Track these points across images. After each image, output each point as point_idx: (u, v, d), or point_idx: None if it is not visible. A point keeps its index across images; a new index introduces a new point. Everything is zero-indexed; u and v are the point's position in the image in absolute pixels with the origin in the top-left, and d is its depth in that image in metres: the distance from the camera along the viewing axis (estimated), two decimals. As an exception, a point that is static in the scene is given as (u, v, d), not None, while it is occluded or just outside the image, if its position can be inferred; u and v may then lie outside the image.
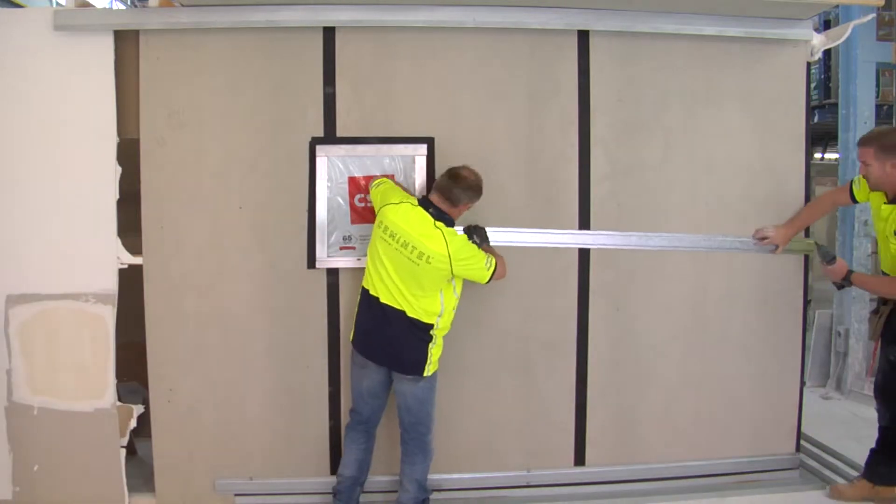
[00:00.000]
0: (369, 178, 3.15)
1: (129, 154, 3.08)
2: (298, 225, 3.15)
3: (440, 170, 3.02)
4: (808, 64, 3.40)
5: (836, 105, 5.98)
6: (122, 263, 3.08)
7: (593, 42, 3.22)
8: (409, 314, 2.82)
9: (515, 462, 3.34)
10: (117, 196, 3.06)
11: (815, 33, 3.35)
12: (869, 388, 4.60)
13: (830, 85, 7.85)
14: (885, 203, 3.05)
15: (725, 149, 3.35)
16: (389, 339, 2.87)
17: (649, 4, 3.17)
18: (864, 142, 3.03)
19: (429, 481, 3.07)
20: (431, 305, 2.84)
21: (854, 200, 3.26)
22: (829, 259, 3.22)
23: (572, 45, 3.22)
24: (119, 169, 3.06)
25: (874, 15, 4.29)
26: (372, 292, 2.89)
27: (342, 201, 3.16)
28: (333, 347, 3.20)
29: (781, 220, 3.36)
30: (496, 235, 3.13)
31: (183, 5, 3.01)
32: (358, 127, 3.15)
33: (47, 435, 3.10)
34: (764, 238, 3.31)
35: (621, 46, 3.24)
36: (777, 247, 3.31)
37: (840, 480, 3.43)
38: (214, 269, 3.13)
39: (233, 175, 3.12)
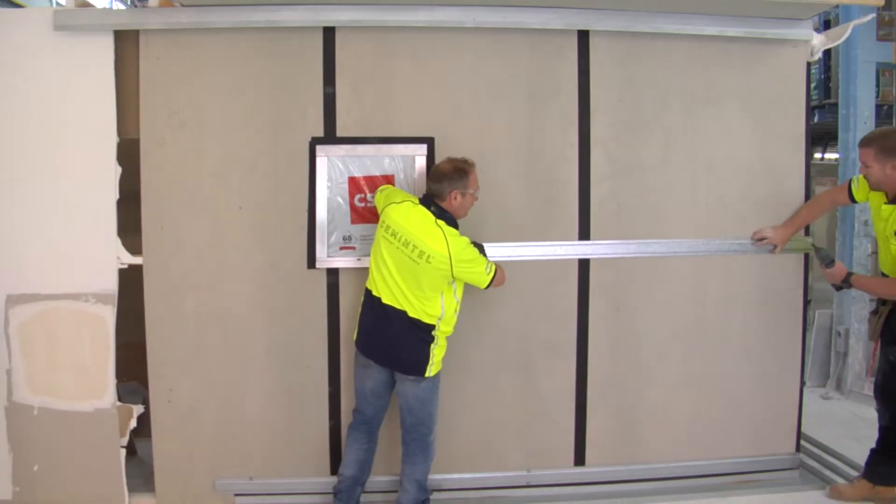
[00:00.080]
0: (369, 179, 3.15)
1: (129, 154, 3.08)
2: (298, 225, 3.15)
3: (440, 170, 3.02)
4: (808, 64, 3.40)
5: (836, 105, 5.98)
6: (122, 263, 3.08)
7: (593, 42, 3.22)
8: (411, 314, 2.82)
9: (515, 462, 3.34)
10: (117, 196, 3.06)
11: (815, 33, 3.35)
12: (869, 388, 4.61)
13: (830, 85, 7.86)
14: (885, 203, 3.06)
15: (725, 149, 3.35)
16: (390, 340, 2.87)
17: (649, 4, 3.17)
18: (864, 143, 3.03)
19: (429, 481, 3.07)
20: (432, 308, 2.83)
21: (853, 200, 3.26)
22: (828, 262, 3.22)
23: (572, 45, 3.22)
24: (119, 169, 3.06)
25: (874, 15, 4.29)
26: (374, 293, 2.89)
27: (342, 201, 3.16)
28: (333, 347, 3.20)
29: (781, 220, 3.36)
30: (496, 250, 3.13)
31: (183, 5, 3.01)
32: (358, 127, 3.15)
33: (47, 435, 3.10)
34: (762, 239, 3.31)
35: (621, 46, 3.24)
36: (775, 247, 3.32)
37: (840, 480, 3.43)
38: (214, 269, 3.13)
39: (233, 175, 3.12)
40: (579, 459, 3.37)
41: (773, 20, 3.25)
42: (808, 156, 3.44)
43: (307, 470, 3.25)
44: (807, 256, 3.45)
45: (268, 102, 3.12)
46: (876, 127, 5.08)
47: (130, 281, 3.10)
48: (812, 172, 3.69)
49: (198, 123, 3.09)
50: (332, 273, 3.18)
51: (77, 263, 3.06)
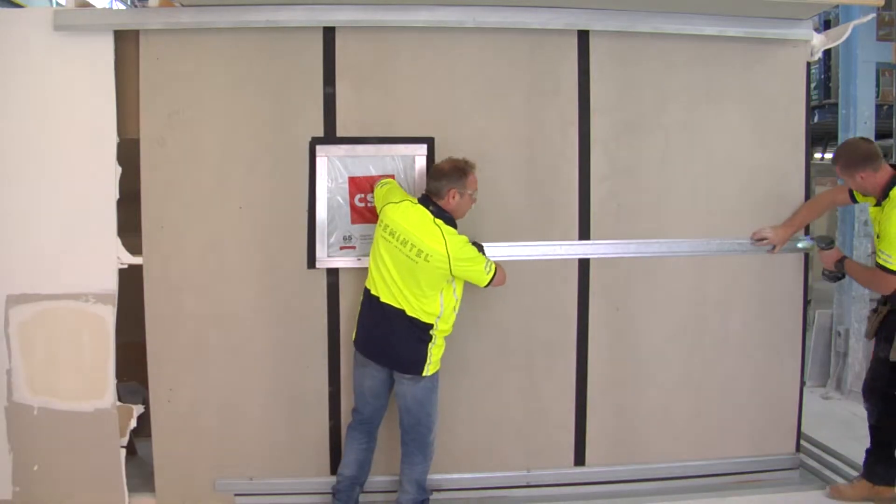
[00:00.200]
0: (369, 178, 3.15)
1: (129, 154, 3.08)
2: (298, 225, 3.15)
3: (440, 170, 3.02)
4: (808, 64, 3.40)
5: (836, 105, 5.99)
6: (122, 263, 3.08)
7: (593, 42, 3.22)
8: (409, 313, 2.82)
9: (515, 462, 3.34)
10: (117, 196, 3.06)
11: (815, 33, 3.35)
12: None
13: (830, 85, 7.86)
14: (873, 206, 3.15)
15: (725, 149, 3.35)
16: (388, 338, 2.87)
17: (649, 4, 3.17)
18: (833, 161, 3.21)
19: (429, 481, 3.07)
20: (431, 306, 2.83)
21: (853, 200, 3.28)
22: (827, 244, 3.27)
23: (572, 45, 3.22)
24: (119, 169, 3.06)
25: (874, 15, 4.29)
26: (373, 292, 2.89)
27: (342, 201, 3.16)
28: (333, 347, 3.20)
29: (781, 220, 3.36)
30: (496, 250, 3.12)
31: (183, 5, 3.01)
32: (358, 127, 3.15)
33: (47, 435, 3.10)
34: (762, 239, 3.32)
35: (621, 46, 3.24)
36: (774, 247, 3.32)
37: (840, 480, 3.43)
38: (214, 269, 3.13)
39: (233, 175, 3.12)
40: (579, 459, 3.36)
41: (773, 20, 3.25)
42: (808, 156, 3.44)
43: (307, 470, 3.25)
44: (807, 256, 3.45)
45: (268, 102, 3.12)
46: (876, 127, 5.09)
47: (130, 281, 3.10)
48: (812, 172, 3.69)
49: (198, 123, 3.09)
50: (332, 273, 3.18)
51: (77, 263, 3.06)
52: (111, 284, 3.07)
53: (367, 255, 3.03)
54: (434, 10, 3.06)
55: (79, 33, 3.00)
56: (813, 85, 6.61)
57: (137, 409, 3.15)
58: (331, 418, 3.24)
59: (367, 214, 3.15)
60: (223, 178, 3.12)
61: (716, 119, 3.34)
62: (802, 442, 3.66)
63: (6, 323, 3.06)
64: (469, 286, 2.94)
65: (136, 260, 3.09)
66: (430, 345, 2.86)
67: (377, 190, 3.03)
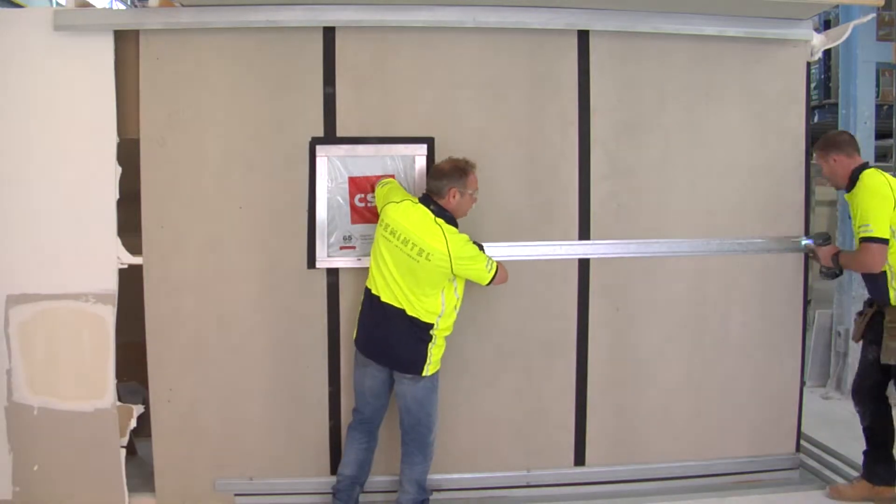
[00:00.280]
0: (369, 178, 3.15)
1: (129, 154, 3.08)
2: (298, 225, 3.15)
3: (440, 170, 3.01)
4: (808, 64, 3.41)
5: (836, 105, 5.98)
6: (122, 263, 3.08)
7: (593, 42, 3.22)
8: (409, 313, 2.82)
9: (515, 462, 3.34)
10: (117, 196, 3.06)
11: (815, 33, 3.35)
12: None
13: (830, 85, 7.85)
14: (846, 195, 3.24)
15: (725, 148, 3.35)
16: (389, 338, 2.87)
17: (649, 4, 3.17)
18: (814, 148, 3.32)
19: (429, 481, 3.07)
20: (432, 305, 2.84)
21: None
22: (824, 240, 3.31)
23: (572, 45, 3.22)
24: (119, 169, 3.06)
25: (874, 15, 4.29)
26: (374, 291, 2.89)
27: (342, 201, 3.16)
28: (333, 347, 3.20)
29: (781, 220, 3.38)
30: (496, 249, 3.12)
31: (183, 5, 3.01)
32: (358, 127, 3.15)
33: (47, 435, 3.10)
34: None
35: (621, 46, 3.24)
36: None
37: (840, 480, 3.43)
38: (214, 269, 3.13)
39: (233, 175, 3.12)
40: (579, 459, 3.36)
41: (773, 20, 3.25)
42: (808, 156, 3.44)
43: (307, 470, 3.25)
44: (807, 257, 3.45)
45: (268, 102, 3.12)
46: (876, 127, 5.09)
47: (130, 281, 3.10)
48: (812, 172, 3.69)
49: (198, 123, 3.09)
50: (332, 273, 3.18)
51: (77, 263, 3.06)
52: (111, 284, 3.07)
53: (368, 255, 3.03)
54: (434, 10, 3.06)
55: (79, 33, 3.00)
56: (813, 85, 6.60)
57: (137, 409, 3.15)
58: (331, 418, 3.23)
59: (367, 214, 3.15)
60: (223, 178, 3.12)
61: (716, 119, 3.34)
62: (802, 442, 3.66)
63: (6, 323, 3.06)
64: (469, 285, 2.94)
65: (136, 260, 3.09)
66: (430, 345, 2.86)
67: (378, 190, 3.03)
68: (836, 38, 3.49)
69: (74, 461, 3.12)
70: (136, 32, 3.04)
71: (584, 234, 3.28)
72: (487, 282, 2.87)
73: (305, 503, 3.24)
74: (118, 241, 3.07)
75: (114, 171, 3.05)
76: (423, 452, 2.98)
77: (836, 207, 5.15)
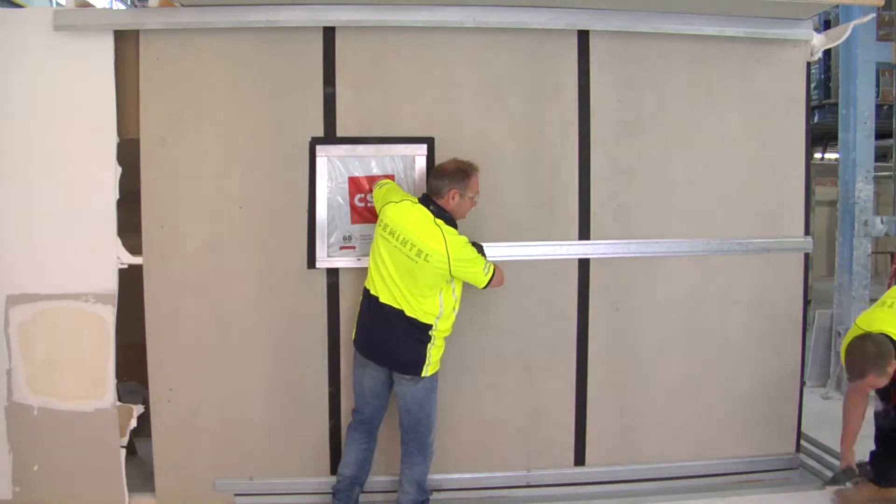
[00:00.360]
0: (369, 179, 3.15)
1: (129, 154, 3.08)
2: (298, 225, 3.15)
3: (440, 170, 3.01)
4: (809, 64, 3.41)
5: (836, 105, 5.98)
6: (122, 263, 3.08)
7: (593, 42, 3.22)
8: (408, 313, 2.82)
9: (515, 462, 3.34)
10: (117, 196, 3.06)
11: (815, 33, 3.35)
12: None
13: (830, 85, 7.86)
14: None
15: (725, 148, 3.35)
16: (387, 339, 2.87)
17: (649, 4, 3.17)
18: (859, 371, 3.05)
19: (429, 481, 3.07)
20: (430, 306, 2.83)
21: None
22: (852, 478, 3.19)
23: (572, 45, 3.22)
24: (119, 169, 3.06)
25: (874, 15, 4.28)
26: (372, 292, 2.89)
27: (342, 201, 3.16)
28: (333, 347, 3.20)
29: (780, 220, 3.39)
30: (496, 250, 3.12)
31: (183, 5, 3.01)
32: (358, 127, 3.15)
33: (47, 435, 3.10)
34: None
35: (621, 46, 3.24)
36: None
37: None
38: (214, 269, 3.13)
39: (233, 175, 3.12)
40: (579, 459, 3.36)
41: (773, 20, 3.25)
42: (808, 156, 3.44)
43: (307, 470, 3.25)
44: (807, 256, 3.45)
45: (268, 102, 3.12)
46: (876, 127, 5.08)
47: (130, 281, 3.10)
48: (812, 172, 3.69)
49: (198, 123, 3.09)
50: (332, 273, 3.18)
51: (77, 263, 3.06)
52: (111, 284, 3.07)
53: (367, 255, 3.02)
54: (434, 10, 3.06)
55: (79, 33, 3.00)
56: (813, 85, 6.61)
57: (137, 409, 3.15)
58: (331, 418, 3.23)
59: (366, 214, 3.15)
60: (223, 178, 3.12)
61: (716, 119, 3.34)
62: (802, 442, 3.65)
63: (6, 323, 3.06)
64: (468, 287, 2.94)
65: (136, 260, 3.09)
66: (429, 345, 2.86)
67: (376, 191, 3.03)
68: (836, 38, 3.49)
69: (74, 461, 3.12)
70: (136, 32, 3.05)
71: (584, 234, 3.28)
72: (483, 285, 2.86)
73: (305, 503, 3.24)
74: (118, 241, 3.07)
75: (114, 171, 3.05)
76: (423, 453, 2.98)
77: (836, 207, 5.14)
